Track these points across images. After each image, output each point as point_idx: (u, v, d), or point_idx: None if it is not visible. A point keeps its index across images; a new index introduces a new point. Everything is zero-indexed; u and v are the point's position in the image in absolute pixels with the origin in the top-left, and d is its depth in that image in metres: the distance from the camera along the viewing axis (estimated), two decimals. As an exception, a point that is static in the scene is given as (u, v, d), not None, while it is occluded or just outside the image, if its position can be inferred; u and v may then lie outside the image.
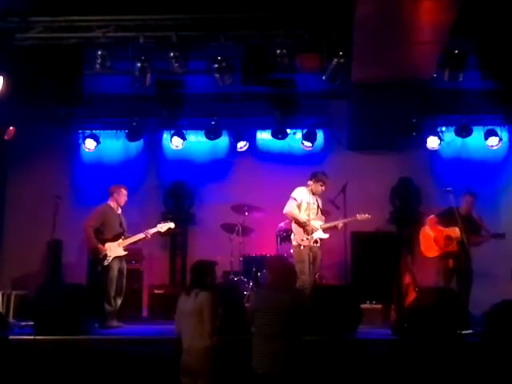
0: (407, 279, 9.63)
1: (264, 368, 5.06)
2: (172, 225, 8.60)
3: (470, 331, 7.16)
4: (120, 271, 8.25)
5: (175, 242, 10.62)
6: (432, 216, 8.50)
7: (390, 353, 6.61)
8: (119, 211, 8.50)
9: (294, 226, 8.22)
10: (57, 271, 9.87)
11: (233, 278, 8.92)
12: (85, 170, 11.01)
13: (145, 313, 9.68)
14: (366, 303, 8.73)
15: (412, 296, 8.80)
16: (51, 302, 7.21)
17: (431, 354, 6.50)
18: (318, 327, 6.85)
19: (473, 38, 8.28)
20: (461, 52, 8.27)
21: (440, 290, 7.28)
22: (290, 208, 8.20)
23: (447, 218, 8.26)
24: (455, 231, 8.15)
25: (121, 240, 8.26)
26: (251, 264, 9.12)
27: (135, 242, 8.46)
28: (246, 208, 9.14)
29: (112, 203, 8.45)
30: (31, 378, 6.41)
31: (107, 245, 8.13)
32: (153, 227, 8.46)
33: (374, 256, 9.68)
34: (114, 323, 8.04)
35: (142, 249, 9.81)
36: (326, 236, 8.24)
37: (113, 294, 8.08)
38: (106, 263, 8.04)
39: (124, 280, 8.32)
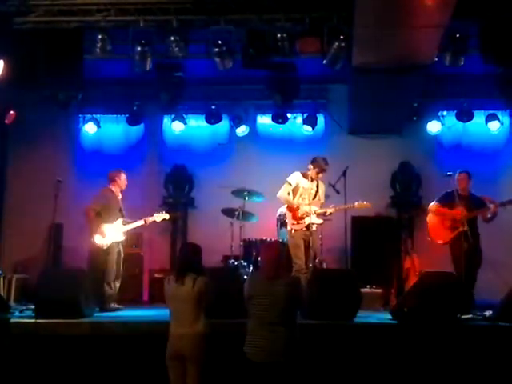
0: (407, 263, 9.71)
1: (260, 355, 4.99)
2: (167, 216, 8.71)
3: (470, 315, 7.20)
4: (119, 254, 8.33)
5: (175, 227, 10.64)
6: (433, 202, 8.40)
7: (389, 337, 6.64)
8: (120, 196, 8.55)
9: (286, 210, 8.36)
10: (58, 255, 9.91)
11: (233, 263, 8.94)
12: (85, 154, 11.02)
13: (145, 296, 9.75)
14: (365, 287, 8.76)
15: (412, 280, 8.87)
16: (52, 285, 7.23)
17: (431, 338, 6.54)
18: (317, 311, 6.91)
19: (474, 22, 8.23)
20: (462, 36, 8.22)
21: (440, 273, 7.27)
22: (282, 192, 8.29)
23: (448, 201, 8.17)
24: (461, 211, 8.00)
25: (121, 224, 8.32)
26: (251, 248, 9.14)
27: (135, 228, 8.54)
28: (246, 192, 9.14)
29: (113, 188, 8.52)
30: (32, 360, 6.47)
31: (107, 228, 8.19)
32: (150, 216, 8.52)
33: (374, 240, 9.72)
34: (115, 306, 8.11)
35: (142, 233, 9.85)
36: (319, 221, 8.24)
37: (113, 277, 8.17)
38: (104, 246, 8.13)
39: (121, 263, 8.39)
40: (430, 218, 8.39)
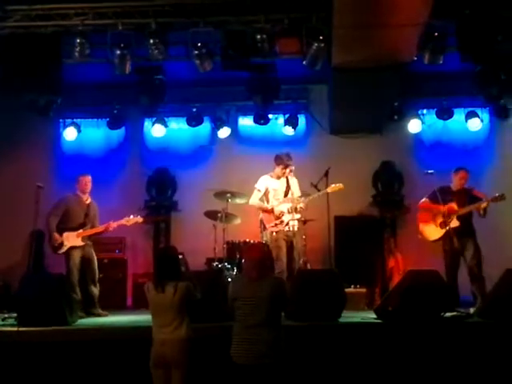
0: (391, 263, 9.74)
1: (245, 358, 4.99)
2: (140, 219, 8.69)
3: (454, 313, 7.23)
4: (87, 259, 8.34)
5: (158, 230, 10.59)
6: (423, 199, 8.40)
7: (374, 337, 6.64)
8: (88, 201, 8.55)
9: (262, 215, 8.47)
10: (39, 261, 9.80)
11: (217, 265, 8.90)
12: (66, 158, 10.93)
13: (129, 301, 9.68)
14: (350, 287, 8.76)
15: (396, 279, 8.90)
16: (34, 292, 7.10)
17: (415, 336, 6.55)
18: (302, 313, 6.90)
19: (451, 20, 8.26)
20: (440, 34, 8.25)
21: (424, 272, 7.28)
22: (252, 199, 8.57)
23: (440, 196, 8.13)
24: (452, 206, 8.05)
25: (80, 230, 8.34)
26: (235, 250, 9.09)
27: (95, 234, 8.52)
28: (228, 195, 9.11)
29: (78, 192, 8.55)
30: (15, 369, 6.39)
31: (65, 234, 8.26)
32: (119, 220, 8.50)
33: (358, 240, 9.74)
34: (101, 312, 8.04)
35: (125, 237, 9.80)
36: (297, 216, 8.32)
37: (75, 283, 8.14)
38: (60, 252, 8.22)
39: (94, 267, 8.40)
40: (420, 215, 8.39)
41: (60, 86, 9.16)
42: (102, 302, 8.35)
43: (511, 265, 7.15)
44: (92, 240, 8.58)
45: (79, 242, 8.34)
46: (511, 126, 10.47)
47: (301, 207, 8.35)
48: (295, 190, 8.51)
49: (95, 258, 8.49)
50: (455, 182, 8.37)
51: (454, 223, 8.02)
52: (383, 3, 7.39)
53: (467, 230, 8.10)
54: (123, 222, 8.51)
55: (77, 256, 8.28)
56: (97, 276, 8.42)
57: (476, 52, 8.31)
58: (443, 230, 8.09)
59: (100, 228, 8.48)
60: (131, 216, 8.58)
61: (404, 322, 6.74)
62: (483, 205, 8.02)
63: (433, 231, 8.23)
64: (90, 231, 8.44)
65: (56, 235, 8.25)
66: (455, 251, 8.05)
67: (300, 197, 8.46)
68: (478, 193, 8.29)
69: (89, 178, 8.62)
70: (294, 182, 8.52)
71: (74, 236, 8.31)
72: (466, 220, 8.11)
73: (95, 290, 8.30)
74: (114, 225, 8.47)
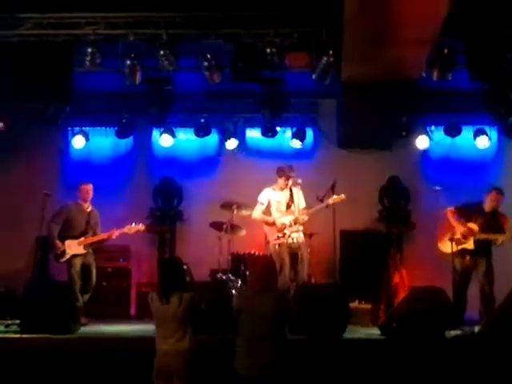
0: (396, 278, 9.68)
1: (249, 370, 5.00)
2: (142, 227, 8.71)
3: (459, 331, 7.20)
4: (86, 267, 8.38)
5: (163, 240, 10.55)
6: (451, 208, 8.24)
7: (378, 353, 6.62)
8: (89, 209, 8.59)
9: (265, 228, 8.50)
10: (44, 268, 9.81)
11: (221, 277, 8.88)
12: (74, 167, 10.92)
13: (133, 311, 9.66)
14: (354, 302, 8.73)
15: (401, 295, 8.83)
16: (38, 299, 7.14)
17: (419, 354, 6.52)
18: (306, 327, 6.88)
19: (461, 39, 8.28)
20: (450, 52, 8.27)
21: (429, 289, 7.26)
22: (255, 212, 8.59)
23: (468, 212, 8.08)
24: (472, 228, 7.96)
25: (82, 238, 8.36)
26: (240, 262, 9.09)
27: (97, 242, 8.56)
28: (234, 206, 9.12)
29: (79, 201, 8.59)
30: (17, 376, 6.38)
31: (67, 242, 8.29)
32: (121, 228, 8.53)
33: (363, 255, 9.71)
34: (82, 320, 8.01)
35: (129, 246, 9.80)
36: (300, 228, 8.33)
37: (77, 290, 8.19)
38: (62, 260, 8.25)
39: (93, 276, 8.44)
40: (442, 223, 8.23)
41: (70, 95, 9.23)
42: (105, 311, 8.35)
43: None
44: (95, 248, 8.61)
45: (81, 250, 8.37)
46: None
47: (303, 219, 8.34)
48: (300, 201, 8.50)
49: (94, 266, 8.52)
50: (487, 202, 8.21)
51: (470, 245, 7.96)
52: (393, 19, 7.43)
53: (483, 250, 8.02)
54: (125, 230, 8.54)
55: (78, 264, 8.32)
56: (93, 284, 8.46)
57: (485, 70, 8.33)
58: (455, 247, 7.98)
59: (102, 236, 8.51)
60: (133, 224, 8.59)
61: (408, 339, 6.71)
62: (502, 239, 7.91)
63: (446, 244, 8.09)
64: (92, 239, 8.47)
65: (58, 243, 8.28)
66: (466, 268, 8.01)
67: (304, 209, 8.45)
68: (505, 222, 8.09)
69: (90, 187, 8.66)
70: (298, 193, 8.51)
71: (76, 244, 8.34)
72: (483, 244, 8.01)
73: (86, 297, 8.33)
74: (116, 233, 8.50)
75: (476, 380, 6.34)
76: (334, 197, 8.25)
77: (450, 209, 8.27)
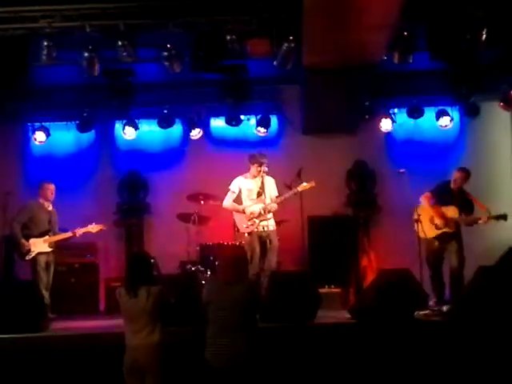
0: (364, 262, 9.76)
1: (220, 361, 4.97)
2: (104, 227, 8.71)
3: (428, 311, 7.27)
4: (49, 265, 8.39)
5: (131, 233, 10.46)
6: (426, 193, 8.28)
7: (349, 336, 6.65)
8: (50, 208, 8.54)
9: (236, 217, 8.49)
10: (10, 268, 9.66)
11: (190, 268, 8.85)
12: (36, 163, 10.72)
13: (102, 306, 9.57)
14: (324, 287, 8.76)
15: (370, 278, 8.91)
16: (4, 299, 7.03)
17: (388, 335, 6.57)
18: (276, 314, 6.88)
19: (421, 21, 8.31)
20: (410, 35, 8.30)
21: (397, 271, 7.32)
22: (226, 201, 8.53)
23: (442, 194, 8.15)
24: (453, 210, 8.05)
25: (47, 236, 8.34)
26: (208, 253, 9.06)
27: (62, 240, 8.52)
28: (201, 197, 9.07)
29: (41, 199, 8.52)
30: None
31: (31, 240, 8.26)
32: (83, 227, 8.50)
33: (332, 240, 9.72)
34: (50, 315, 7.98)
35: (96, 242, 9.67)
36: (270, 216, 8.30)
37: (43, 286, 8.16)
38: (27, 258, 8.21)
39: (50, 275, 8.42)
40: (422, 209, 8.19)
41: (28, 90, 9.06)
42: (74, 308, 8.27)
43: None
44: (61, 245, 8.59)
45: (46, 248, 8.35)
46: (481, 124, 10.54)
47: (272, 207, 8.33)
48: (272, 189, 8.46)
49: (54, 264, 8.51)
50: (452, 182, 8.30)
51: (451, 228, 8.04)
52: (352, 5, 7.42)
53: (454, 232, 8.12)
54: (89, 229, 8.55)
55: (43, 261, 8.30)
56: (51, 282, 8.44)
57: (445, 51, 8.38)
58: (436, 232, 8.10)
59: (67, 234, 8.50)
60: (93, 223, 8.58)
61: (378, 321, 6.75)
62: (483, 220, 8.03)
63: (429, 228, 8.12)
64: (57, 237, 8.45)
65: (24, 242, 8.23)
66: (439, 249, 8.11)
67: (277, 197, 8.42)
68: (475, 200, 8.21)
69: (53, 187, 8.60)
70: (270, 181, 8.47)
71: (41, 242, 8.31)
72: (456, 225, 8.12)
73: (46, 295, 8.26)
74: (80, 231, 8.50)
75: (445, 359, 6.40)
76: (304, 184, 8.25)
77: (426, 194, 8.30)
